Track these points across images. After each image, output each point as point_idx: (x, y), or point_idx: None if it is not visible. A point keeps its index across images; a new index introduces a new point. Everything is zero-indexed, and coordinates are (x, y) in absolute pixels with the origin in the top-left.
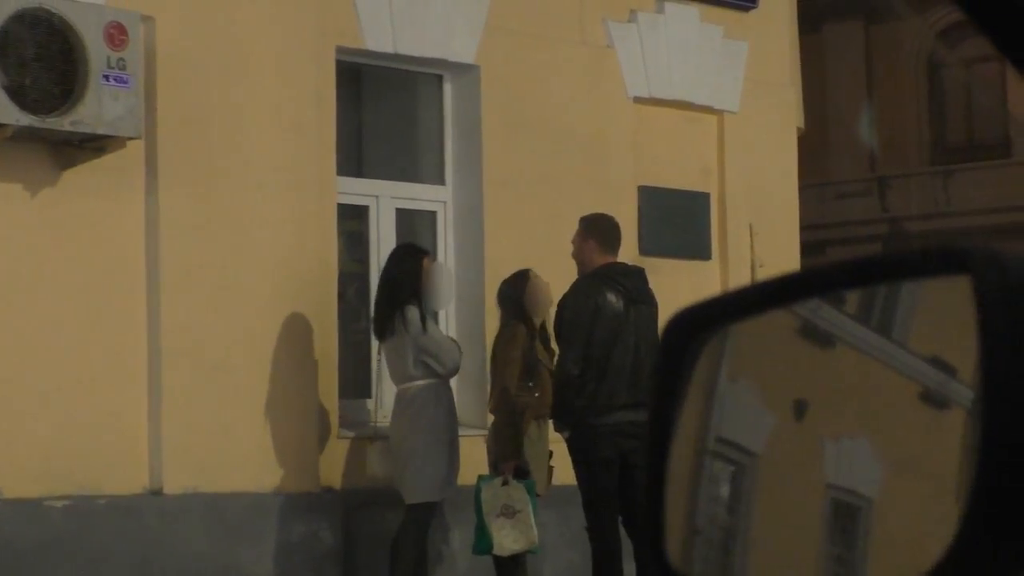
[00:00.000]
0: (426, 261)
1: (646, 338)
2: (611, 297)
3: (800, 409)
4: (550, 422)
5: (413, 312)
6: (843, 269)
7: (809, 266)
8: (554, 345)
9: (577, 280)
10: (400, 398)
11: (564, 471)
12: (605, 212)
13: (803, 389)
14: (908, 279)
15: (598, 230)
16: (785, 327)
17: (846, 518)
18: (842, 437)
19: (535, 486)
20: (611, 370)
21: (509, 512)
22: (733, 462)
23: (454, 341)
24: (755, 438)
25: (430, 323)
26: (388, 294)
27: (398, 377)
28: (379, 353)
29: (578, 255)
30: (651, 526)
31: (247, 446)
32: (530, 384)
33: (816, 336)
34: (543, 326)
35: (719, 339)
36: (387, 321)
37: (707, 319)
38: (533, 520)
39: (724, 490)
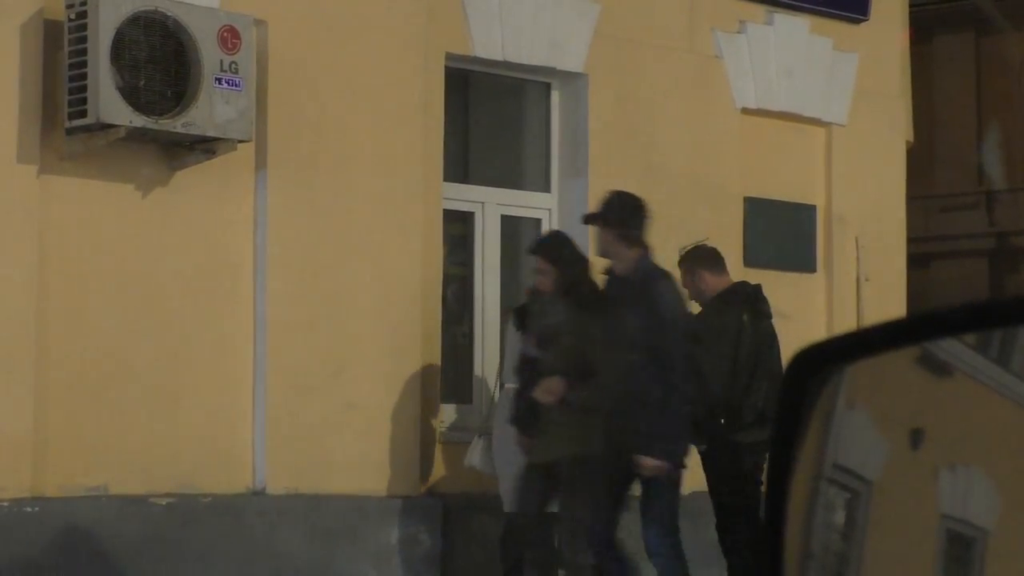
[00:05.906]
0: None
1: (769, 353)
2: (744, 316)
3: (916, 438)
4: None
5: None
6: (966, 312)
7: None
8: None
9: (709, 302)
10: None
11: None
12: (702, 242)
13: (919, 418)
14: None
15: (702, 259)
16: (903, 355)
17: (961, 548)
18: (958, 467)
19: None
20: (754, 387)
21: None
22: (848, 489)
23: None
24: (870, 465)
25: None
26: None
27: None
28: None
29: (693, 290)
30: (769, 550)
31: (348, 448)
32: None
33: (934, 365)
34: None
35: (838, 373)
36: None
37: (829, 357)
38: None
39: (839, 516)
